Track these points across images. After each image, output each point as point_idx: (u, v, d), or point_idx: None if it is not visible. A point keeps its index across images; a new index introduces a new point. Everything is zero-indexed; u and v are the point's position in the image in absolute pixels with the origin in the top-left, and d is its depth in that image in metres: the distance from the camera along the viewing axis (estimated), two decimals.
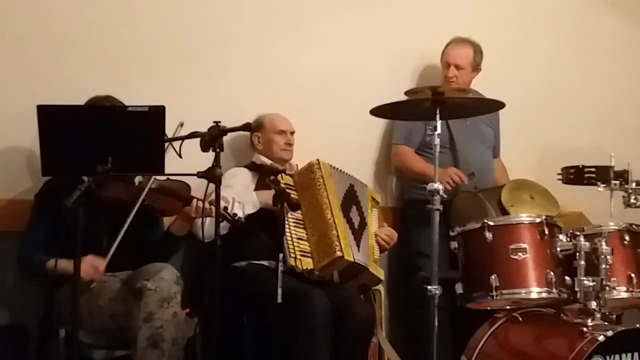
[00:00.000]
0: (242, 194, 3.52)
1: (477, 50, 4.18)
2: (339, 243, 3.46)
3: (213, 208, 3.08)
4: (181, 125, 3.18)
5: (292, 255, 3.42)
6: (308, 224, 3.55)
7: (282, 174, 3.53)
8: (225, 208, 3.15)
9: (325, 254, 3.48)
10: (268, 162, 3.73)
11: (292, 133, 3.82)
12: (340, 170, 3.76)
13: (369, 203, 3.84)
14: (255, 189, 3.64)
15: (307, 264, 3.46)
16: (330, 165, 3.70)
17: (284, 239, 3.41)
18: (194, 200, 3.18)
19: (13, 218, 3.43)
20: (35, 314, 3.35)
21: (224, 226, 3.16)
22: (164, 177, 3.27)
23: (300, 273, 3.41)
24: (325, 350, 3.25)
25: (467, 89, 3.92)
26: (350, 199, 3.72)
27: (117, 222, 3.09)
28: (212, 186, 2.89)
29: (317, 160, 3.66)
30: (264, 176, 3.60)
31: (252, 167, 3.74)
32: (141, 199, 3.08)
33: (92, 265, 3.02)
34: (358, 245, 3.60)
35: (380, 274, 3.75)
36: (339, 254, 3.45)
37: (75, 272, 2.67)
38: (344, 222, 3.58)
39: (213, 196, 3.34)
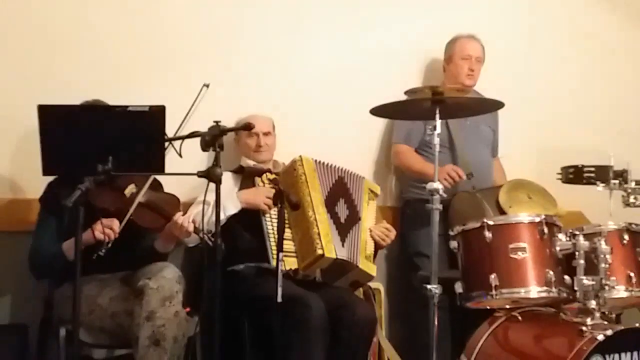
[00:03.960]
0: (225, 198, 3.48)
1: (483, 47, 4.21)
2: (320, 241, 3.42)
3: (192, 226, 3.10)
4: (206, 86, 3.21)
5: (275, 256, 3.37)
6: (292, 223, 3.49)
7: (268, 173, 3.50)
8: (209, 232, 3.08)
9: (307, 253, 3.44)
10: (252, 163, 3.71)
11: (267, 134, 3.75)
12: (329, 165, 3.67)
13: (366, 195, 3.75)
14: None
15: (291, 264, 3.42)
16: (316, 161, 3.63)
17: (267, 240, 3.41)
18: (175, 217, 3.12)
19: (13, 218, 3.43)
20: (35, 313, 3.35)
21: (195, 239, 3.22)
22: (158, 184, 3.27)
23: (289, 275, 3.36)
24: (322, 355, 3.24)
25: (467, 89, 3.92)
26: (338, 192, 3.64)
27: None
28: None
29: (300, 156, 3.59)
30: (248, 178, 3.59)
31: (236, 170, 3.71)
32: (129, 214, 3.02)
33: (106, 225, 2.97)
34: (342, 241, 3.54)
35: (372, 269, 3.65)
36: (319, 252, 3.41)
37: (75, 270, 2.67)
38: (327, 218, 3.52)
39: (195, 210, 3.37)
